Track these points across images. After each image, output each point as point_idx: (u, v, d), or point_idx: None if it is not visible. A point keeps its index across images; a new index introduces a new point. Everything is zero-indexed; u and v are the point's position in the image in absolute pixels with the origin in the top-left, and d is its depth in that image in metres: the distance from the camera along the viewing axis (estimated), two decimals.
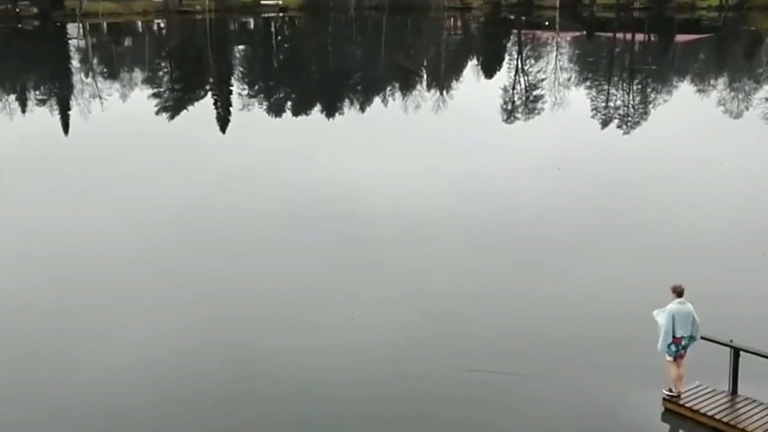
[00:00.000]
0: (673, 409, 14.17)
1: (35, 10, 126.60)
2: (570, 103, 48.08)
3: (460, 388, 15.02)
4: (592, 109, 46.16)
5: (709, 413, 13.75)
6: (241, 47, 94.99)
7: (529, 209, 25.89)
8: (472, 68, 72.98)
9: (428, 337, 17.11)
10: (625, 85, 58.21)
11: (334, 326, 17.52)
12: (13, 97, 56.72)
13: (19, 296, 19.39)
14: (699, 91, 54.47)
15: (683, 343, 13.88)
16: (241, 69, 74.16)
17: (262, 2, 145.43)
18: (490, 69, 70.06)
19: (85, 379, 15.58)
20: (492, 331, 17.26)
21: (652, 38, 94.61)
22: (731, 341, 14.00)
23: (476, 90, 57.75)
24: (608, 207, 26.25)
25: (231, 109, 49.19)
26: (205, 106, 50.99)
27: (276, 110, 49.62)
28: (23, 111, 50.35)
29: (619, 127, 41.75)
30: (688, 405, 14.02)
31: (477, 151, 34.42)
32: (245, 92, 56.94)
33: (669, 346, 13.93)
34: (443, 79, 64.00)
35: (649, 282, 19.65)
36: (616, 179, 29.79)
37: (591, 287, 19.47)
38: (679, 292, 13.92)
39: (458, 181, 29.54)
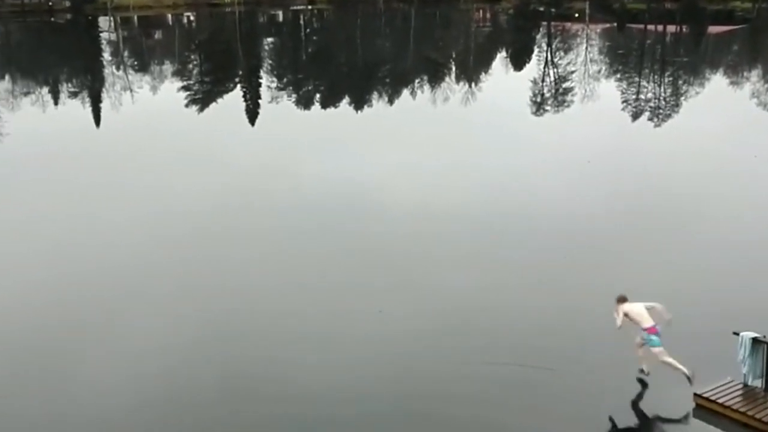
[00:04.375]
0: (705, 405, 14.03)
1: (68, 3, 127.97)
2: (600, 95, 47.69)
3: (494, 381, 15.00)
4: (623, 102, 45.72)
5: (741, 409, 13.59)
6: (269, 40, 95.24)
7: (558, 202, 25.73)
8: (501, 60, 72.60)
9: (454, 330, 17.07)
10: (656, 77, 57.59)
11: (361, 317, 17.56)
12: (46, 89, 57.48)
13: (42, 290, 19.63)
14: (732, 83, 53.76)
15: (659, 329, 14.56)
16: (270, 61, 74.40)
17: None
18: (519, 61, 69.67)
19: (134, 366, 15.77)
20: (521, 324, 17.19)
21: (684, 30, 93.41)
22: (765, 337, 13.85)
23: (505, 82, 57.48)
24: (639, 200, 25.99)
25: (260, 101, 49.38)
26: (234, 99, 51.22)
27: (305, 103, 49.73)
28: (56, 103, 50.96)
29: (650, 119, 41.32)
30: (720, 401, 13.87)
31: (506, 144, 34.29)
32: (274, 85, 57.11)
33: (650, 337, 14.59)
34: (472, 71, 63.76)
35: (678, 273, 19.57)
36: (647, 172, 29.51)
37: (621, 280, 19.30)
38: (621, 299, 15.00)
39: (487, 174, 29.42)
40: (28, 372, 15.65)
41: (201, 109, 47.96)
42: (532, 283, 19.30)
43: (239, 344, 16.51)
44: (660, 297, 15.32)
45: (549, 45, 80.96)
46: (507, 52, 79.77)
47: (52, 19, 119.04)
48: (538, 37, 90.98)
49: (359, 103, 48.52)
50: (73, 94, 55.62)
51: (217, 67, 70.34)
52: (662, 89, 52.09)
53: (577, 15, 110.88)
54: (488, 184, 27.97)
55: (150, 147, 35.45)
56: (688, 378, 14.40)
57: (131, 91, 54.83)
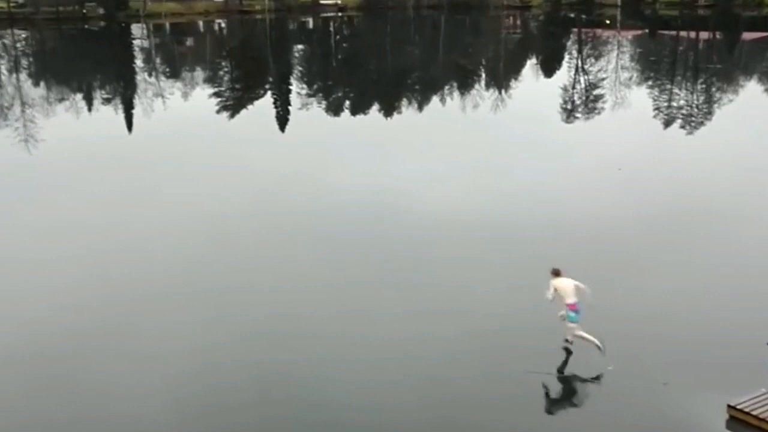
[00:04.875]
0: (739, 417, 13.82)
1: (101, 10, 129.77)
2: (631, 102, 47.30)
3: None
4: (654, 109, 45.31)
5: None
6: (300, 47, 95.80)
7: (589, 210, 25.55)
8: (531, 67, 72.34)
9: (492, 337, 17.00)
10: (688, 84, 57.04)
11: (388, 321, 17.56)
12: (80, 96, 58.28)
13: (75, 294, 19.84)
14: (766, 90, 53.03)
15: (578, 307, 15.61)
16: (300, 68, 74.79)
17: (321, 2, 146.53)
18: (549, 68, 69.37)
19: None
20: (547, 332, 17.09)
21: (718, 36, 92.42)
22: None
23: (535, 89, 57.25)
24: (671, 207, 25.74)
25: (290, 108, 49.63)
26: (264, 105, 51.54)
27: (334, 109, 49.91)
28: (89, 109, 51.61)
29: (682, 127, 40.89)
30: (754, 413, 13.65)
31: (536, 152, 34.11)
32: (304, 91, 57.38)
33: (569, 313, 15.64)
34: (502, 78, 63.60)
35: (710, 280, 19.34)
36: (678, 179, 29.23)
37: (653, 286, 19.15)
38: (556, 273, 16.08)
39: (516, 181, 29.28)
40: (58, 375, 15.82)
41: (232, 116, 48.29)
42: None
43: (274, 347, 16.60)
44: (693, 303, 15.23)
45: (580, 52, 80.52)
46: (537, 58, 79.47)
47: (86, 26, 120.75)
48: (569, 43, 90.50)
49: (389, 109, 48.59)
50: (106, 101, 56.32)
51: (247, 74, 70.85)
52: (695, 96, 51.56)
53: (608, 21, 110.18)
54: (517, 192, 27.84)
55: (181, 153, 35.77)
56: (599, 348, 15.47)
57: (163, 97, 55.37)
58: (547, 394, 14.93)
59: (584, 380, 15.22)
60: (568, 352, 16.05)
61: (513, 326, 17.39)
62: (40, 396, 15.08)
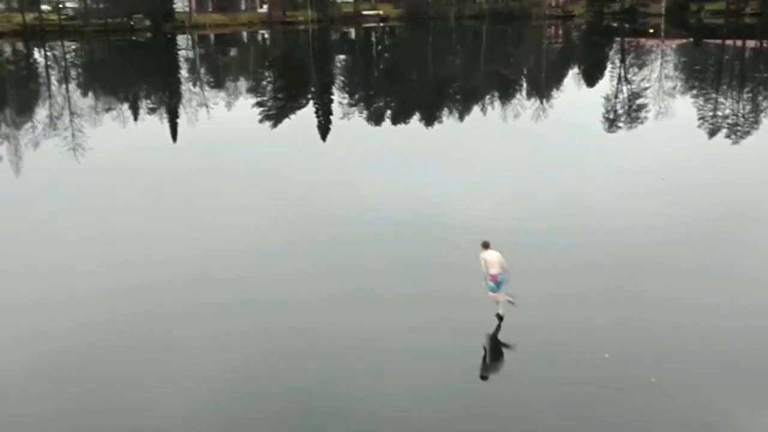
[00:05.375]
0: None
1: (148, 22, 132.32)
2: (675, 112, 46.80)
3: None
4: (699, 118, 44.76)
5: None
6: (342, 57, 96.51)
7: (632, 220, 25.38)
8: (573, 77, 71.97)
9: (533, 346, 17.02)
10: (734, 93, 56.23)
11: (433, 330, 17.63)
12: (126, 105, 59.47)
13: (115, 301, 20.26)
14: None
15: (499, 278, 17.35)
16: (342, 78, 75.35)
17: (364, 12, 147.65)
18: (591, 77, 68.98)
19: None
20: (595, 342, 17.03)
21: (764, 44, 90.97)
22: None
23: (577, 99, 56.95)
24: (715, 217, 25.43)
25: (332, 117, 50.05)
26: (306, 115, 52.04)
27: (375, 119, 50.21)
28: (135, 119, 52.61)
29: (727, 136, 40.35)
30: None
31: (577, 162, 33.97)
32: (346, 101, 57.81)
33: (490, 283, 17.41)
34: (543, 87, 63.38)
35: (756, 292, 19.10)
36: (723, 190, 28.88)
37: (698, 296, 18.98)
38: (485, 245, 17.80)
39: (558, 191, 29.15)
40: (96, 385, 16.16)
41: (274, 125, 48.85)
42: (607, 300, 19.11)
43: (310, 359, 16.72)
44: (736, 314, 15.03)
45: (622, 61, 79.88)
46: (579, 68, 79.04)
47: (133, 37, 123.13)
48: (612, 53, 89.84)
49: (429, 119, 48.75)
50: (152, 110, 57.36)
51: (290, 84, 71.63)
52: (741, 105, 50.82)
53: (652, 30, 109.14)
54: (559, 202, 27.71)
55: (223, 163, 36.29)
56: (512, 302, 17.47)
57: (207, 107, 56.23)
58: (581, 408, 14.86)
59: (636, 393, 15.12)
60: (500, 318, 17.90)
61: (548, 337, 17.35)
62: (75, 405, 15.41)
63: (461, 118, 49.88)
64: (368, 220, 26.11)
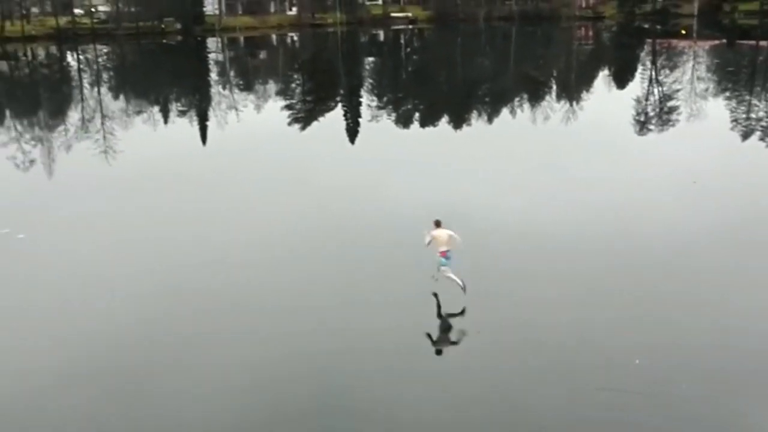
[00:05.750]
0: None
1: (178, 25, 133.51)
2: (707, 114, 46.20)
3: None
4: (732, 121, 44.16)
5: None
6: (371, 59, 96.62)
7: (662, 224, 25.08)
8: (603, 78, 71.40)
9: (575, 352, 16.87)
10: None
11: (456, 333, 17.56)
12: (156, 108, 60.04)
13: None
14: None
15: (447, 255, 18.89)
16: (371, 80, 75.42)
17: (393, 14, 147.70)
18: (622, 79, 68.37)
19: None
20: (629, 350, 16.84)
21: None
22: None
23: (607, 101, 56.47)
24: (748, 222, 25.05)
25: (360, 120, 50.10)
26: (335, 117, 52.14)
27: (404, 121, 50.16)
28: (165, 122, 53.08)
29: (761, 139, 39.76)
30: None
31: (608, 165, 33.65)
32: (374, 103, 57.84)
33: (440, 259, 18.98)
34: (573, 89, 62.93)
35: None
36: (756, 193, 28.44)
37: (732, 302, 18.71)
38: (437, 224, 19.24)
39: (588, 195, 28.89)
40: (127, 386, 16.32)
41: (303, 128, 49.00)
42: (640, 304, 18.90)
43: (340, 361, 16.72)
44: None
45: (654, 62, 79.09)
46: (609, 69, 78.39)
47: (164, 40, 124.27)
48: (643, 54, 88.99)
49: (458, 121, 48.60)
50: (182, 113, 57.83)
51: (319, 87, 71.83)
52: None
53: (683, 31, 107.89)
54: (589, 204, 27.47)
55: (252, 165, 36.48)
56: (462, 287, 18.85)
57: (236, 109, 56.56)
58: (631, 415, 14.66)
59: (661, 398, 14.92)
60: (436, 296, 19.42)
61: (582, 340, 17.18)
62: (108, 408, 15.51)
63: (490, 120, 49.68)
64: (392, 223, 25.96)
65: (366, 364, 16.52)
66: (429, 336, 17.78)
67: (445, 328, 18.57)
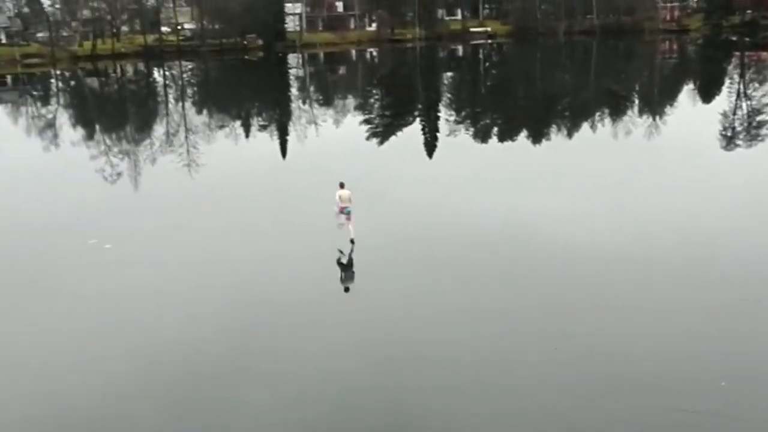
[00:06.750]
0: None
1: (260, 42, 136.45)
2: None
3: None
4: None
5: None
6: (449, 74, 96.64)
7: (747, 244, 24.20)
8: (688, 92, 69.61)
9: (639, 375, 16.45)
10: None
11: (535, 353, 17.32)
12: (238, 122, 61.33)
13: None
14: None
15: (346, 210, 24.56)
16: (449, 95, 75.39)
17: (471, 30, 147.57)
18: (708, 93, 66.52)
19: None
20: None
21: None
22: None
23: (692, 115, 54.97)
24: None
25: (438, 134, 50.07)
26: (413, 132, 52.23)
27: (482, 136, 49.91)
28: (247, 136, 54.12)
29: None
30: None
31: (692, 181, 32.73)
32: (452, 118, 57.75)
33: (340, 214, 24.54)
34: (656, 103, 61.52)
35: None
36: None
37: None
38: (341, 185, 25.06)
39: (672, 214, 28.07)
40: (197, 398, 16.60)
41: (381, 142, 49.26)
42: (718, 328, 18.31)
43: (407, 375, 16.68)
44: None
45: (742, 76, 76.72)
46: (695, 83, 76.41)
47: (246, 56, 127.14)
48: (730, 68, 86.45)
49: (537, 136, 48.07)
50: (263, 127, 58.89)
51: (397, 101, 72.19)
52: None
53: None
54: (672, 226, 26.67)
55: (330, 179, 36.61)
56: (351, 241, 24.39)
57: (316, 124, 57.28)
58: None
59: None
60: (341, 252, 24.13)
61: (655, 368, 16.73)
62: (174, 420, 15.84)
63: (569, 135, 48.95)
64: (475, 240, 25.83)
65: (440, 382, 16.40)
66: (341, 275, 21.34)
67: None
